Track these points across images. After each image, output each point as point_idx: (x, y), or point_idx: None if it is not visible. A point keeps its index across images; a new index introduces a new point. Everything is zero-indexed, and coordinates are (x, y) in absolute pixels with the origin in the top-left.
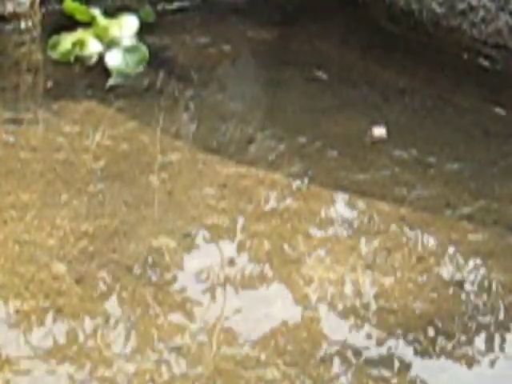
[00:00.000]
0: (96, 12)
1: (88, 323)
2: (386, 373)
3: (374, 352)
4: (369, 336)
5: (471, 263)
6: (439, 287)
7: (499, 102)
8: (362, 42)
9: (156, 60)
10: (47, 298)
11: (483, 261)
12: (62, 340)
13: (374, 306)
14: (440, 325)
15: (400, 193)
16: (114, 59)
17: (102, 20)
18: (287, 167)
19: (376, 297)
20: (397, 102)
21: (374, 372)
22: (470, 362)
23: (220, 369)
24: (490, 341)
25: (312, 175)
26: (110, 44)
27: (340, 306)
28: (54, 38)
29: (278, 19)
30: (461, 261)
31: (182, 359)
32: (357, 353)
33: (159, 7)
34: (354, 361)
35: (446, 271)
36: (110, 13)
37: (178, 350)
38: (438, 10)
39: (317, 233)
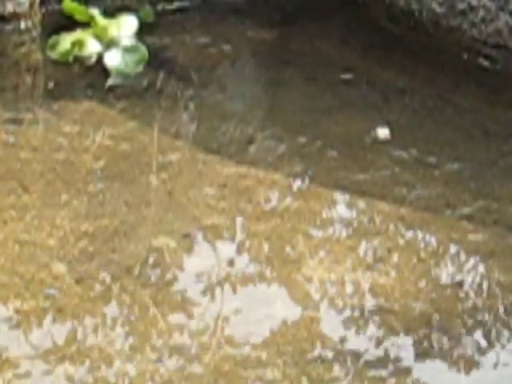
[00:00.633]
0: (95, 12)
1: (88, 323)
2: (385, 373)
3: (373, 352)
4: (369, 336)
5: (471, 263)
6: (439, 287)
7: (499, 102)
8: (362, 42)
9: (156, 60)
10: (47, 298)
11: (483, 261)
12: (61, 340)
13: (374, 306)
14: (440, 325)
15: (400, 193)
16: (113, 59)
17: (101, 20)
18: (287, 167)
19: (376, 297)
20: (397, 102)
21: (374, 372)
22: (470, 363)
23: (220, 369)
24: (490, 341)
25: (312, 175)
26: (109, 44)
27: (340, 306)
28: (53, 38)
29: (278, 19)
30: (461, 261)
31: (181, 359)
32: (357, 353)
33: (159, 7)
34: (354, 361)
35: (446, 271)
36: (110, 13)
37: (177, 349)
38: (438, 9)
39: (317, 233)
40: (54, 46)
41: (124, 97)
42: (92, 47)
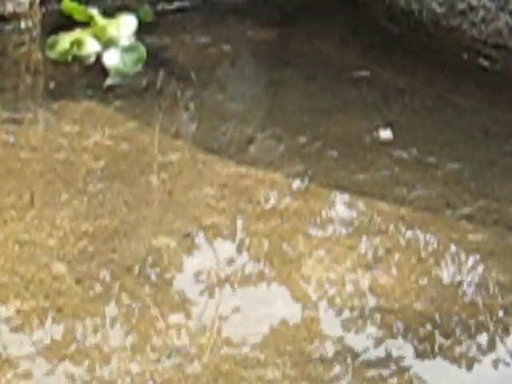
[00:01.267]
0: (94, 12)
1: (88, 323)
2: (385, 373)
3: (373, 352)
4: (369, 336)
5: (471, 263)
6: (439, 287)
7: (499, 102)
8: (362, 42)
9: (156, 60)
10: (47, 298)
11: (483, 261)
12: (61, 340)
13: (373, 306)
14: (440, 325)
15: (400, 193)
16: (111, 59)
17: (100, 20)
18: (287, 167)
19: (376, 297)
20: (397, 102)
21: (374, 372)
22: (470, 363)
23: (220, 369)
24: (490, 341)
25: (312, 175)
26: (108, 43)
27: (340, 306)
28: (52, 37)
29: (278, 19)
30: (461, 261)
31: (181, 359)
32: (357, 353)
33: (159, 7)
34: (353, 361)
35: (446, 271)
36: (109, 12)
37: (177, 349)
38: (438, 9)
39: (317, 233)
40: (52, 46)
41: (124, 97)
42: (91, 47)
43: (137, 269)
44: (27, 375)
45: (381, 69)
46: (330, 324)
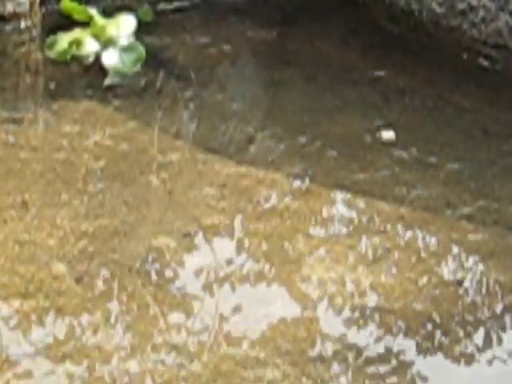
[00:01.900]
0: (93, 11)
1: (88, 323)
2: (385, 372)
3: (373, 351)
4: (369, 336)
5: (471, 263)
6: (439, 287)
7: (499, 102)
8: (362, 42)
9: (156, 60)
10: (47, 298)
11: (483, 261)
12: (61, 339)
13: (373, 306)
14: (440, 324)
15: (400, 193)
16: (110, 58)
17: (99, 19)
18: (287, 167)
19: (375, 296)
20: (397, 102)
21: (374, 371)
22: (470, 362)
23: (220, 368)
24: (489, 340)
25: (312, 175)
26: (107, 43)
27: (340, 306)
28: (51, 37)
29: (278, 19)
30: (461, 261)
31: (181, 358)
32: (357, 352)
33: (159, 7)
34: (353, 360)
35: (446, 271)
36: (108, 12)
37: (177, 348)
38: (438, 9)
39: (317, 232)
40: (51, 46)
41: (124, 97)
42: (90, 46)
43: (137, 268)
44: (27, 375)
45: (381, 69)
46: (329, 323)
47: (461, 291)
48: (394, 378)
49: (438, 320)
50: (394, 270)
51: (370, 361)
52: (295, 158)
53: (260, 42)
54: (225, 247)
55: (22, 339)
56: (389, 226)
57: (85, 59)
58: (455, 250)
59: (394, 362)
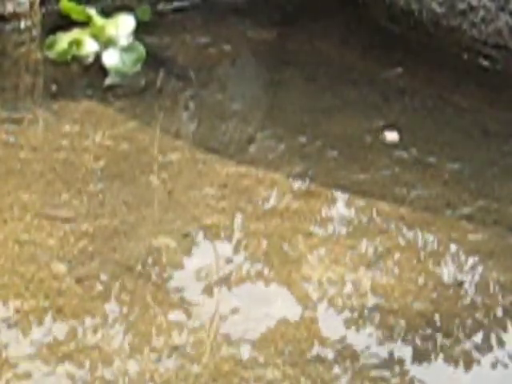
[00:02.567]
0: (92, 11)
1: (88, 323)
2: (385, 373)
3: (373, 352)
4: (368, 336)
5: (471, 263)
6: (439, 287)
7: (499, 101)
8: (362, 42)
9: (156, 60)
10: (47, 298)
11: (483, 261)
12: (61, 340)
13: (373, 306)
14: (440, 325)
15: (400, 193)
16: (110, 58)
17: (98, 19)
18: (287, 167)
19: (376, 296)
20: (397, 102)
21: (374, 372)
22: (470, 362)
23: (220, 369)
24: (489, 341)
25: (312, 175)
26: (107, 43)
27: (340, 306)
28: (51, 37)
29: (278, 19)
30: (461, 261)
31: (181, 359)
32: (356, 353)
33: (159, 7)
34: (353, 361)
35: (446, 271)
36: (107, 12)
37: (177, 349)
38: (438, 9)
39: (317, 232)
40: (51, 46)
41: (124, 97)
42: (90, 47)
43: (137, 268)
44: (27, 375)
45: (381, 69)
46: (329, 324)
47: (461, 291)
48: (394, 379)
49: (438, 320)
50: (394, 270)
51: (369, 361)
52: (295, 158)
53: (260, 42)
54: (225, 247)
55: (22, 339)
56: (389, 226)
57: (85, 59)
58: (455, 250)
59: (393, 362)
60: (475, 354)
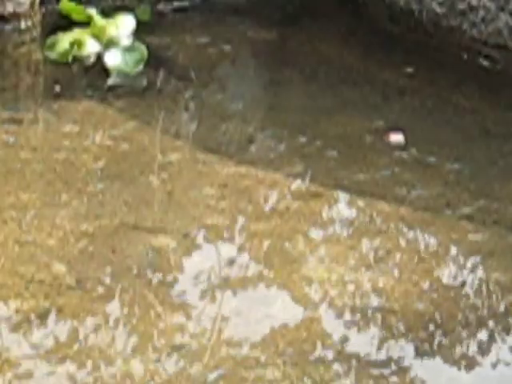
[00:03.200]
0: (92, 12)
1: (88, 323)
2: (386, 373)
3: (374, 352)
4: (369, 336)
5: (471, 263)
6: (439, 287)
7: (499, 102)
8: (362, 42)
9: (156, 60)
10: (47, 298)
11: (483, 261)
12: (62, 340)
13: (374, 306)
14: (440, 325)
15: (400, 193)
16: (113, 59)
17: (99, 20)
18: (287, 167)
19: (376, 297)
20: (397, 102)
21: (374, 372)
22: (470, 363)
23: (220, 369)
24: (490, 341)
25: (312, 175)
26: (108, 44)
27: (340, 307)
28: (51, 38)
29: (278, 19)
30: (461, 261)
31: (182, 359)
32: (357, 353)
33: (159, 7)
34: (354, 361)
35: (446, 271)
36: (107, 12)
37: (177, 349)
38: (438, 9)
39: (317, 233)
40: (52, 47)
41: (124, 97)
42: (91, 47)
43: (137, 269)
44: (27, 375)
45: (381, 69)
46: (330, 324)
47: (461, 291)
48: (395, 379)
49: (438, 320)
50: (394, 271)
51: (370, 361)
52: (295, 158)
53: (260, 42)
54: (225, 247)
55: (22, 339)
56: (389, 227)
57: (86, 60)
58: (455, 250)
59: (394, 362)
60: (475, 354)
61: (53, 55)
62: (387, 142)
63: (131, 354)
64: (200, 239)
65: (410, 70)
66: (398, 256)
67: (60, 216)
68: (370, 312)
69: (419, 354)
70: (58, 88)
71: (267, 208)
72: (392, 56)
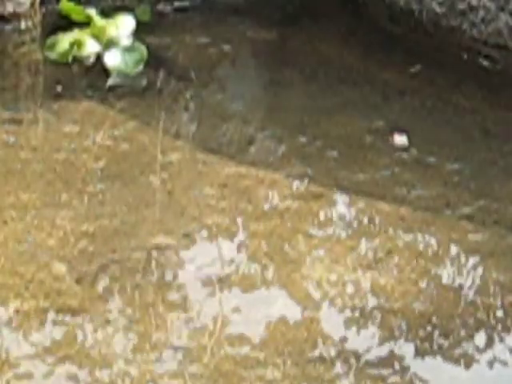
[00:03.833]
0: (92, 12)
1: (88, 323)
2: (385, 373)
3: (374, 352)
4: (369, 336)
5: (471, 263)
6: (439, 287)
7: (499, 101)
8: (362, 42)
9: (156, 60)
10: (47, 298)
11: (483, 261)
12: (61, 340)
13: (374, 306)
14: (440, 325)
15: (400, 193)
16: (113, 59)
17: (98, 20)
18: (287, 167)
19: (376, 297)
20: (397, 102)
21: (374, 372)
22: (470, 362)
23: (220, 369)
24: (489, 341)
25: (312, 175)
26: (108, 44)
27: (340, 306)
28: (51, 38)
29: (278, 19)
30: (461, 261)
31: (181, 359)
32: (357, 353)
33: (159, 7)
34: (354, 361)
35: (446, 271)
36: (106, 13)
37: (177, 349)
38: (438, 9)
39: (317, 233)
40: (52, 47)
41: (124, 97)
42: (91, 47)
43: (137, 269)
44: (27, 375)
45: (381, 69)
46: (330, 324)
47: (461, 291)
48: (394, 379)
49: (438, 320)
50: (394, 271)
51: (370, 361)
52: (295, 159)
53: (260, 42)
54: (225, 247)
55: (22, 339)
56: (389, 227)
57: (86, 60)
58: (455, 250)
59: (394, 362)
60: (475, 354)
61: (53, 55)
62: (391, 143)
63: (131, 353)
64: (200, 239)
65: (410, 69)
66: (397, 256)
67: (60, 216)
68: (369, 312)
69: (419, 353)
70: (59, 88)
71: (267, 208)
72: (392, 56)
